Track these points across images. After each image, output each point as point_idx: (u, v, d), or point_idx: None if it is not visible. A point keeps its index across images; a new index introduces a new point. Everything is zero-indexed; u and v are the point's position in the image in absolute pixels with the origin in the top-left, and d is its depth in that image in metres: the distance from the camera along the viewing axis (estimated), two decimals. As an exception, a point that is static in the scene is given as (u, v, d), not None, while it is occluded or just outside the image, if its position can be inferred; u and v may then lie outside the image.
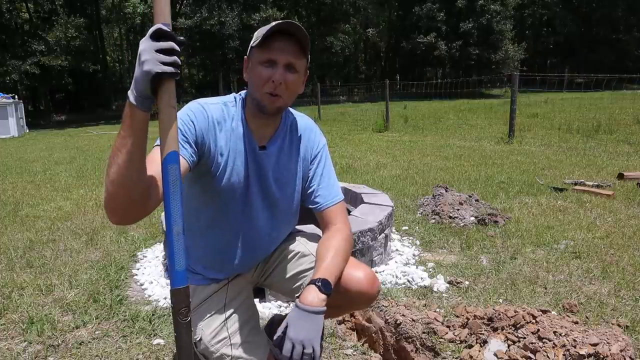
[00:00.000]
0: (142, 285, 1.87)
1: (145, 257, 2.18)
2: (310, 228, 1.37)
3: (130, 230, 2.58)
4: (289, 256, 1.03)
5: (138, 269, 2.03)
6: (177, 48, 0.62)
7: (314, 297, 0.81)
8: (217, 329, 0.93)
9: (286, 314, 0.84)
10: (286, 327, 0.79)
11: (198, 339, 0.91)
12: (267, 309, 1.61)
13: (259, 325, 1.02)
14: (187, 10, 17.54)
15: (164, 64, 0.61)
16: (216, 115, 0.89)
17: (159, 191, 0.72)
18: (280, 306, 1.64)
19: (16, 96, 11.89)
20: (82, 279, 1.90)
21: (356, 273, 0.92)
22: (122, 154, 0.65)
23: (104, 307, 1.65)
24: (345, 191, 2.50)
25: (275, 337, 0.80)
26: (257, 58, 0.86)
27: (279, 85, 0.84)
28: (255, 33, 0.89)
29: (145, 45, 0.62)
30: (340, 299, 0.89)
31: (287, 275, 1.02)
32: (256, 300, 1.13)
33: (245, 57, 0.92)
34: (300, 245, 1.04)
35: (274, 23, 0.84)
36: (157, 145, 0.74)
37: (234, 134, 0.91)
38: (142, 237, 2.45)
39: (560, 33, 24.88)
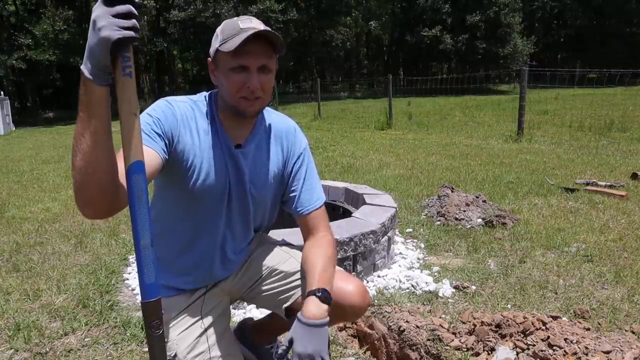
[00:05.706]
0: (133, 290, 1.83)
1: (137, 260, 2.16)
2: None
3: (121, 233, 2.54)
4: (274, 273, 1.01)
5: (129, 273, 1.99)
6: (135, 11, 0.59)
7: (316, 309, 0.79)
8: (193, 343, 0.90)
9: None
10: (291, 343, 0.78)
11: (172, 355, 0.89)
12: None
13: (233, 335, 1.01)
14: (180, 2, 16.70)
15: (124, 28, 0.57)
16: (185, 113, 0.87)
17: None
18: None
19: (2, 92, 11.50)
20: (71, 284, 1.85)
21: (347, 287, 0.91)
22: (85, 139, 0.61)
23: (94, 313, 1.61)
24: (347, 192, 2.48)
25: (278, 352, 0.79)
26: (227, 64, 0.82)
27: (256, 90, 0.82)
28: (219, 32, 0.84)
29: (100, 11, 0.57)
30: (330, 312, 0.87)
31: (273, 292, 1.00)
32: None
33: (209, 59, 0.88)
34: (286, 264, 1.02)
35: (242, 25, 0.80)
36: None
37: (207, 133, 0.88)
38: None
39: (571, 26, 24.42)
